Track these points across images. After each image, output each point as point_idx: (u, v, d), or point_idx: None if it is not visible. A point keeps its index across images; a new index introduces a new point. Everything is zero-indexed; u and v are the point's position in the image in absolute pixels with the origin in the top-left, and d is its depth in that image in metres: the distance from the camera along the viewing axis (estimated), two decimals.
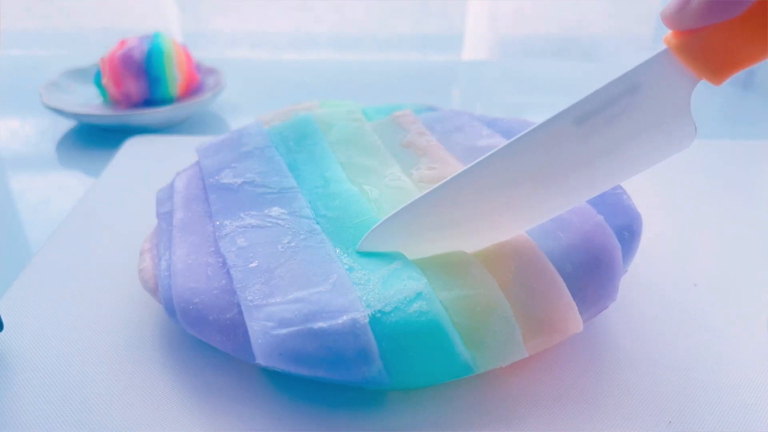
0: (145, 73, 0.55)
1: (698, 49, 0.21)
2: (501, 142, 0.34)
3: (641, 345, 0.28)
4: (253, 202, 0.30)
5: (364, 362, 0.23)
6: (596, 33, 0.95)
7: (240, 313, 0.25)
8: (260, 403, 0.25)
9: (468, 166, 0.25)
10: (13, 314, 0.30)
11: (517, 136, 0.24)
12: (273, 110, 0.40)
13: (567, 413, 0.25)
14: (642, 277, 0.33)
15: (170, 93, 0.57)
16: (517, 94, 0.71)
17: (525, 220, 0.26)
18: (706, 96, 0.68)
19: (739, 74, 0.71)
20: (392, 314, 0.23)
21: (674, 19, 0.21)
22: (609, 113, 0.23)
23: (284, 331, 0.23)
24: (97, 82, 0.57)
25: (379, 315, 0.23)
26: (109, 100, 0.58)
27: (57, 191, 0.48)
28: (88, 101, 0.59)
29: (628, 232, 0.28)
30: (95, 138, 0.56)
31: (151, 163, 0.46)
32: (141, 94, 0.56)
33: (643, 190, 0.36)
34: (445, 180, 0.26)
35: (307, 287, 0.25)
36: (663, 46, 0.22)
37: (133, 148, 0.49)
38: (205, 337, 0.25)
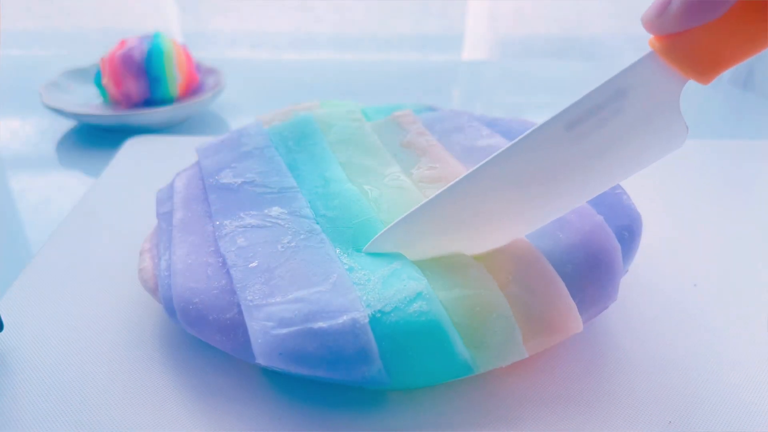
0: (145, 73, 0.55)
1: (683, 50, 0.21)
2: (501, 142, 0.34)
3: (641, 345, 0.28)
4: (252, 202, 0.30)
5: (364, 362, 0.23)
6: (596, 33, 0.94)
7: (240, 312, 0.25)
8: (260, 403, 0.25)
9: (464, 174, 0.26)
10: (13, 314, 0.30)
11: (510, 143, 0.25)
12: (273, 110, 0.40)
13: (567, 413, 0.25)
14: (642, 277, 0.33)
15: (170, 93, 0.57)
16: (517, 94, 0.71)
17: (523, 224, 0.26)
18: (707, 96, 0.68)
19: (739, 74, 0.71)
20: (392, 314, 0.23)
21: (654, 24, 0.21)
22: (599, 117, 0.23)
23: (284, 330, 0.23)
24: (97, 82, 0.57)
25: (379, 315, 0.23)
26: (109, 100, 0.58)
27: (57, 191, 0.48)
28: (88, 101, 0.59)
29: (627, 232, 0.28)
30: (95, 138, 0.56)
31: (151, 163, 0.46)
32: (141, 94, 0.56)
33: (643, 190, 0.36)
34: (443, 188, 0.26)
35: (307, 287, 0.25)
36: (648, 49, 0.22)
37: (133, 148, 0.49)
38: (204, 337, 0.25)
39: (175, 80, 0.57)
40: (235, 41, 0.90)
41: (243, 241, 0.28)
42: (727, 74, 0.72)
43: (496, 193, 0.25)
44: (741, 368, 0.27)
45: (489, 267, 0.26)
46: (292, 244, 0.27)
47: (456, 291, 0.24)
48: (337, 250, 0.27)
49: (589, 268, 0.26)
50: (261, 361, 0.23)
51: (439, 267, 0.26)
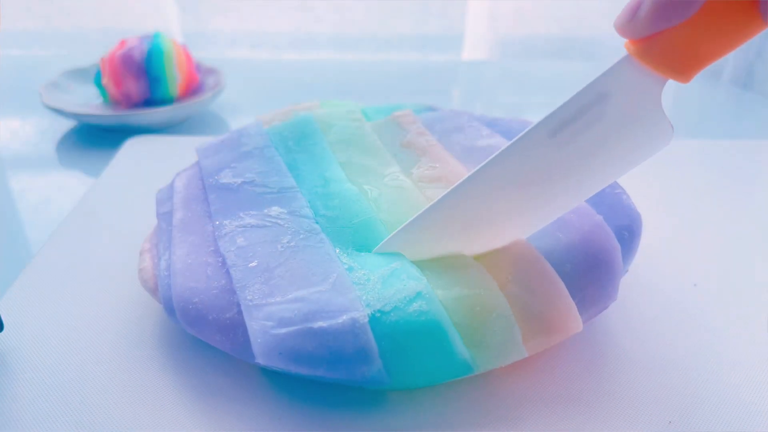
0: (145, 73, 0.55)
1: (658, 51, 0.21)
2: (501, 142, 0.34)
3: (641, 345, 0.28)
4: (252, 201, 0.30)
5: (363, 362, 0.23)
6: (596, 33, 0.95)
7: (239, 312, 0.25)
8: (260, 403, 0.25)
9: (462, 178, 0.26)
10: (13, 314, 0.30)
11: (498, 151, 0.25)
12: (273, 110, 0.40)
13: (567, 413, 0.25)
14: (642, 277, 0.33)
15: (170, 93, 0.57)
16: (517, 94, 0.71)
17: (519, 228, 0.27)
18: (707, 96, 0.68)
19: (739, 74, 0.71)
20: (392, 314, 0.23)
21: (626, 28, 0.21)
22: (581, 122, 0.23)
23: (284, 330, 0.23)
24: (97, 82, 0.57)
25: (378, 314, 0.23)
26: (109, 100, 0.58)
27: (57, 191, 0.48)
28: (88, 101, 0.59)
29: (627, 232, 0.28)
30: (95, 138, 0.56)
31: (151, 163, 0.46)
32: (141, 94, 0.56)
33: (643, 190, 0.36)
34: (442, 195, 0.26)
35: (306, 287, 0.25)
36: (624, 52, 0.23)
37: (133, 148, 0.49)
38: (204, 337, 0.25)
39: (175, 80, 0.57)
40: (235, 41, 0.90)
41: (243, 241, 0.28)
42: (727, 74, 0.72)
43: (489, 199, 0.25)
44: (741, 368, 0.27)
45: (488, 267, 0.26)
46: (292, 244, 0.27)
47: (456, 291, 0.25)
48: (337, 250, 0.27)
49: (588, 268, 0.26)
50: (261, 360, 0.23)
51: (438, 267, 0.26)
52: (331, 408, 0.25)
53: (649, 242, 0.34)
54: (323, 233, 0.28)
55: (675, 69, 0.21)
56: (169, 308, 0.26)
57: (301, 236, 0.28)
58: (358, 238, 0.28)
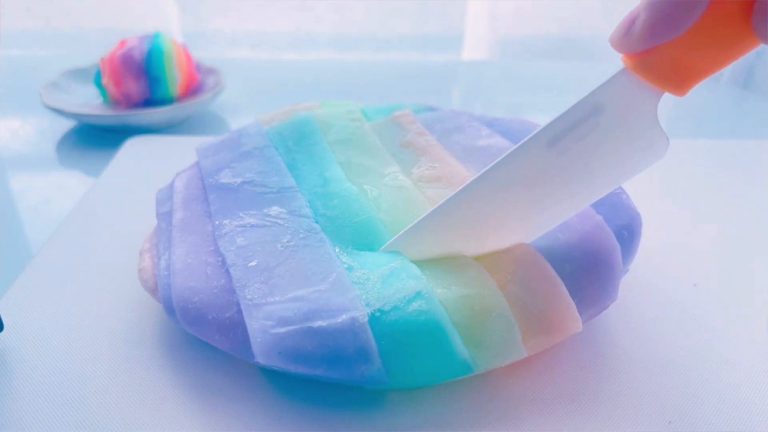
0: (145, 73, 0.55)
1: (654, 65, 0.22)
2: (501, 142, 0.34)
3: (641, 345, 0.28)
4: (252, 201, 0.30)
5: (363, 361, 0.23)
6: (596, 33, 0.95)
7: (239, 311, 0.25)
8: (260, 403, 0.25)
9: (463, 184, 0.26)
10: (13, 314, 0.30)
11: (496, 161, 0.25)
12: (273, 110, 0.40)
13: (567, 413, 0.25)
14: (642, 277, 0.33)
15: (170, 93, 0.57)
16: (517, 94, 0.71)
17: (518, 235, 0.27)
18: (707, 96, 0.68)
19: (739, 74, 0.71)
20: (391, 313, 0.23)
21: (621, 44, 0.22)
22: (578, 133, 0.24)
23: (283, 329, 0.23)
24: (97, 82, 0.57)
25: (378, 314, 0.23)
26: (109, 100, 0.58)
27: (57, 191, 0.48)
28: (88, 101, 0.59)
29: (627, 231, 0.28)
30: (95, 138, 0.56)
31: (151, 163, 0.46)
32: (141, 94, 0.56)
33: (643, 190, 0.36)
34: (443, 201, 0.26)
35: (306, 286, 0.25)
36: (620, 65, 0.23)
37: (133, 148, 0.49)
38: (204, 336, 0.25)
39: (175, 80, 0.57)
40: (235, 41, 0.90)
41: (242, 241, 0.28)
42: (727, 74, 0.72)
43: (490, 204, 0.26)
44: (741, 368, 0.27)
45: (488, 267, 0.26)
46: (292, 244, 0.27)
47: (455, 290, 0.25)
48: (337, 249, 0.27)
49: (588, 268, 0.26)
50: (260, 360, 0.23)
51: (438, 266, 0.26)
52: (331, 408, 0.25)
53: (649, 242, 0.34)
54: (323, 233, 0.28)
55: (670, 82, 0.22)
56: (169, 308, 0.27)
57: (301, 236, 0.28)
58: (357, 237, 0.28)
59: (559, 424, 0.24)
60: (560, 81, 0.73)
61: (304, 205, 0.30)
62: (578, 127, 0.24)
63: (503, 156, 0.25)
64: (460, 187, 0.26)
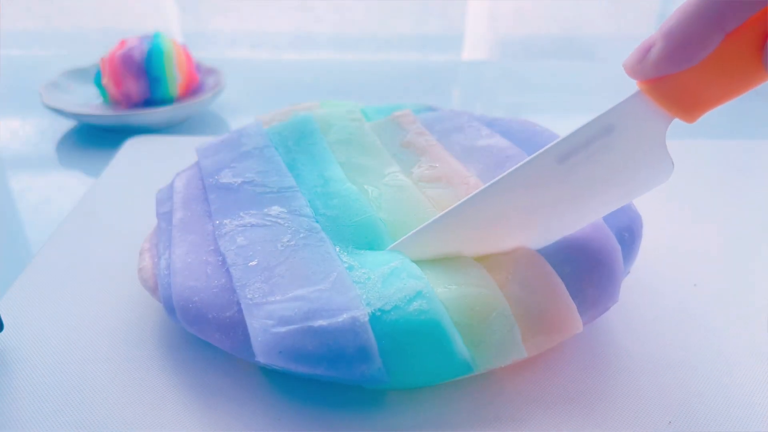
0: (145, 73, 0.55)
1: (668, 91, 0.22)
2: (501, 142, 0.34)
3: (641, 345, 0.28)
4: (252, 201, 0.30)
5: (363, 360, 0.23)
6: (596, 33, 0.95)
7: (239, 311, 0.25)
8: (260, 403, 0.25)
9: (468, 197, 0.26)
10: (13, 314, 0.30)
11: (505, 173, 0.25)
12: (273, 110, 0.40)
13: (567, 413, 0.25)
14: (642, 277, 0.33)
15: (170, 93, 0.57)
16: (517, 94, 0.71)
17: (520, 244, 0.27)
18: None
19: None
20: (392, 313, 0.23)
21: (635, 70, 0.22)
22: (588, 151, 0.24)
23: (284, 329, 0.23)
24: (97, 82, 0.57)
25: (379, 313, 0.23)
26: (109, 100, 0.58)
27: (57, 191, 0.48)
28: (88, 101, 0.59)
29: (628, 233, 0.28)
30: (95, 138, 0.56)
31: (151, 163, 0.46)
32: (141, 94, 0.56)
33: None
34: (449, 209, 0.27)
35: (306, 285, 0.25)
36: (635, 88, 0.23)
37: (133, 148, 0.49)
38: (204, 336, 0.25)
39: (175, 80, 0.57)
40: (235, 41, 0.90)
41: (243, 240, 0.28)
42: None
43: (498, 214, 0.26)
44: (741, 368, 0.27)
45: (489, 267, 0.26)
46: (292, 243, 0.27)
47: (456, 290, 0.25)
48: (337, 249, 0.27)
49: (588, 270, 0.26)
50: (261, 359, 0.23)
51: (439, 266, 0.26)
52: (331, 408, 0.25)
53: (649, 242, 0.34)
54: (323, 232, 0.28)
55: (681, 109, 0.22)
56: (169, 307, 0.27)
57: (301, 235, 0.28)
58: (358, 236, 0.28)
59: (560, 424, 0.24)
60: (560, 81, 0.73)
61: (304, 204, 0.30)
62: (589, 145, 0.24)
63: (514, 168, 0.25)
64: (469, 195, 0.26)
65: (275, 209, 0.30)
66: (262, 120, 0.38)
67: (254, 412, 0.25)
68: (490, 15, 1.03)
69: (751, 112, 0.65)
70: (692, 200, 0.41)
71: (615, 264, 0.26)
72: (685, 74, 0.21)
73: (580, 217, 0.26)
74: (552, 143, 0.25)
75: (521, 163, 0.25)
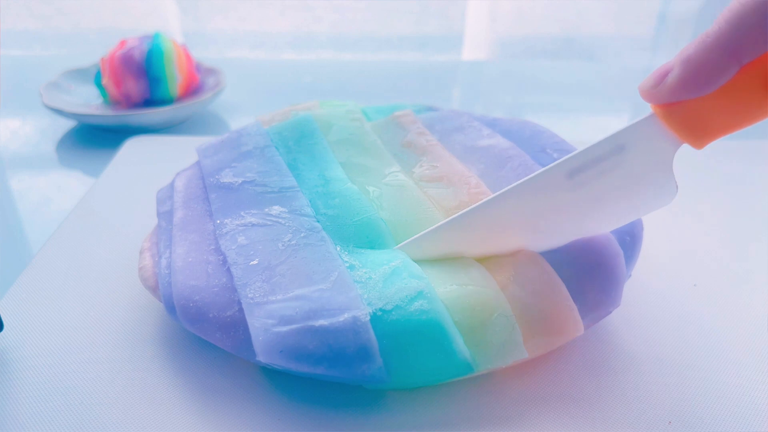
0: (145, 73, 0.55)
1: (681, 117, 0.23)
2: (501, 142, 0.34)
3: (641, 345, 0.28)
4: (253, 201, 0.30)
5: (364, 360, 0.23)
6: (596, 33, 0.95)
7: (240, 310, 0.25)
8: (260, 403, 0.25)
9: (471, 207, 0.27)
10: (13, 314, 0.30)
11: (516, 183, 0.26)
12: (272, 111, 0.40)
13: (567, 413, 0.25)
14: (642, 277, 0.33)
15: (170, 93, 0.57)
16: (517, 94, 0.71)
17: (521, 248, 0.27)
18: None
19: None
20: (393, 312, 0.23)
21: (650, 94, 0.23)
22: (598, 169, 0.25)
23: (285, 328, 0.23)
24: (97, 82, 0.57)
25: (380, 313, 0.23)
26: (109, 100, 0.58)
27: (57, 191, 0.48)
28: (88, 101, 0.59)
29: (629, 236, 0.28)
30: (95, 138, 0.56)
31: (151, 163, 0.46)
32: (141, 94, 0.56)
33: None
34: (457, 214, 0.27)
35: (307, 285, 0.25)
36: (649, 110, 0.24)
37: (133, 148, 0.49)
38: (205, 335, 0.25)
39: (175, 80, 0.57)
40: (235, 41, 0.90)
41: (243, 240, 0.28)
42: None
43: (505, 221, 0.27)
44: (741, 368, 0.27)
45: (490, 267, 0.26)
46: (293, 242, 0.27)
47: (457, 290, 0.25)
48: (338, 248, 0.27)
49: (590, 273, 0.26)
50: (262, 358, 0.23)
51: (440, 266, 0.26)
52: (331, 408, 0.25)
53: (649, 243, 0.34)
54: (324, 231, 0.28)
55: (692, 135, 0.23)
56: (170, 306, 0.26)
57: (302, 235, 0.28)
58: (359, 236, 0.28)
59: (560, 424, 0.24)
60: (560, 81, 0.73)
61: (305, 204, 0.30)
62: (599, 163, 0.25)
63: (525, 179, 0.26)
64: (478, 203, 0.27)
65: (276, 209, 0.30)
66: (261, 120, 0.38)
67: (254, 411, 0.25)
68: (490, 15, 1.03)
69: None
70: (692, 200, 0.41)
71: (617, 268, 0.26)
72: (698, 102, 0.22)
73: (583, 231, 0.27)
74: (564, 158, 0.25)
75: (532, 174, 0.26)
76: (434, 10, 1.02)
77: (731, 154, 0.47)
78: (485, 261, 0.26)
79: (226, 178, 0.32)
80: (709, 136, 0.23)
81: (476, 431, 0.24)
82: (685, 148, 0.24)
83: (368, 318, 0.23)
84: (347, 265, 0.26)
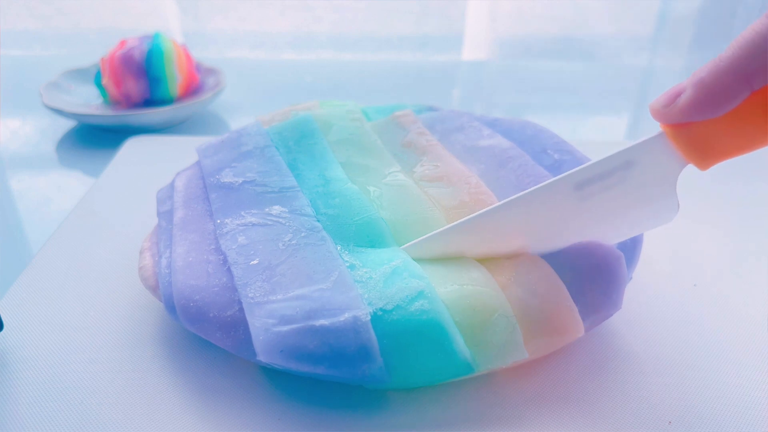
0: (145, 73, 0.55)
1: (689, 137, 0.23)
2: (502, 142, 0.34)
3: (641, 345, 0.28)
4: (253, 200, 0.30)
5: (365, 360, 0.23)
6: (596, 33, 0.95)
7: (241, 310, 0.25)
8: (260, 403, 0.25)
9: (476, 213, 0.27)
10: (13, 314, 0.30)
11: (525, 192, 0.27)
12: (272, 111, 0.40)
13: (568, 413, 0.25)
14: (642, 277, 0.33)
15: (170, 93, 0.57)
16: (517, 94, 0.71)
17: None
18: None
19: None
20: (393, 312, 0.23)
21: (661, 114, 0.23)
22: (606, 183, 0.25)
23: (286, 328, 0.23)
24: (97, 82, 0.57)
25: (380, 313, 0.23)
26: (109, 100, 0.58)
27: (57, 191, 0.48)
28: (88, 101, 0.59)
29: (630, 239, 0.28)
30: (95, 138, 0.56)
31: (151, 163, 0.46)
32: (141, 94, 0.56)
33: None
34: (463, 219, 0.27)
35: (308, 285, 0.25)
36: (659, 129, 0.24)
37: (133, 148, 0.49)
38: (205, 334, 0.25)
39: (175, 80, 0.57)
40: (235, 41, 0.90)
41: (244, 239, 0.28)
42: None
43: (510, 227, 0.27)
44: (741, 368, 0.27)
45: (491, 268, 0.26)
46: (293, 242, 0.27)
47: (458, 290, 0.25)
48: (338, 248, 0.27)
49: (590, 275, 0.26)
50: (262, 358, 0.23)
51: (440, 266, 0.26)
52: (331, 408, 0.25)
53: (649, 243, 0.34)
54: (324, 231, 0.28)
55: (698, 156, 0.23)
56: (170, 306, 0.26)
57: (303, 234, 0.28)
58: (359, 236, 0.28)
59: (561, 424, 0.24)
60: (560, 81, 0.73)
61: (305, 204, 0.30)
62: (607, 177, 0.25)
63: (533, 189, 0.26)
64: (485, 210, 0.27)
65: (276, 209, 0.30)
66: (261, 120, 0.38)
67: (254, 411, 0.25)
68: (490, 15, 1.03)
69: None
70: (691, 200, 0.41)
71: (618, 271, 0.26)
72: (707, 124, 0.22)
73: (588, 239, 0.27)
74: (573, 170, 0.26)
75: (541, 185, 0.26)
76: (434, 10, 1.02)
77: None
78: (486, 262, 0.26)
79: (227, 177, 0.32)
80: (715, 158, 0.23)
81: (476, 431, 0.24)
82: (689, 168, 0.25)
83: (368, 318, 0.23)
84: (348, 264, 0.26)
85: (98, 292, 0.32)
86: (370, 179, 0.32)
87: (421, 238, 0.28)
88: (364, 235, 0.28)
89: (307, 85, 0.72)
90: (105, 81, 0.56)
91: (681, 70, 0.77)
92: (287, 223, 0.28)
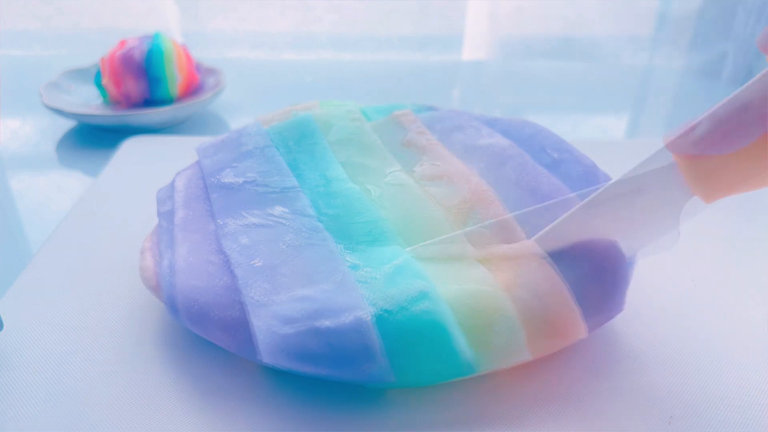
0: (145, 73, 0.55)
1: (699, 170, 0.23)
2: (501, 141, 0.34)
3: (640, 344, 0.28)
4: (254, 201, 0.30)
5: (368, 360, 0.23)
6: (596, 33, 0.95)
7: (243, 310, 0.25)
8: (262, 403, 0.25)
9: (481, 224, 0.28)
10: (13, 314, 0.30)
11: (537, 205, 0.28)
12: (272, 111, 0.40)
13: (568, 412, 0.25)
14: (642, 277, 0.33)
15: (170, 93, 0.57)
16: (517, 94, 0.71)
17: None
18: (707, 95, 0.69)
19: (739, 74, 0.71)
20: (396, 313, 0.23)
21: (675, 144, 0.23)
22: (615, 205, 0.26)
23: (289, 329, 0.23)
24: (97, 82, 0.57)
25: (383, 313, 0.23)
26: (109, 100, 0.58)
27: (57, 191, 0.48)
28: (88, 101, 0.59)
29: None
30: (95, 138, 0.56)
31: (151, 163, 0.46)
32: (141, 94, 0.56)
33: None
34: (466, 229, 0.28)
35: (310, 285, 0.25)
36: (672, 159, 0.24)
37: (133, 148, 0.49)
38: (207, 335, 0.25)
39: (175, 80, 0.57)
40: (235, 41, 0.90)
41: (246, 240, 0.28)
42: (726, 74, 0.72)
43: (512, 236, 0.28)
44: (741, 368, 0.27)
45: (493, 269, 0.26)
46: (296, 243, 0.27)
47: (460, 290, 0.25)
48: (341, 248, 0.27)
49: (593, 277, 0.26)
50: (265, 359, 0.23)
51: (443, 266, 0.26)
52: (332, 407, 0.25)
53: None
54: (326, 231, 0.28)
55: (704, 188, 0.23)
56: (173, 307, 0.26)
57: (305, 235, 0.28)
58: (361, 236, 0.28)
59: (561, 424, 0.24)
60: (560, 81, 0.73)
61: (307, 204, 0.30)
62: (617, 199, 0.25)
63: (544, 204, 0.28)
64: (488, 221, 0.28)
65: (278, 209, 0.30)
66: (261, 120, 0.38)
67: (257, 412, 0.25)
68: (490, 15, 1.03)
69: None
70: (691, 200, 0.41)
71: (620, 271, 0.26)
72: (717, 158, 0.22)
73: None
74: (585, 190, 0.26)
75: (550, 201, 0.27)
76: (434, 10, 1.02)
77: None
78: (488, 262, 0.26)
79: (227, 178, 0.32)
80: (720, 193, 0.23)
81: (476, 431, 0.24)
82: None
83: (371, 318, 0.23)
84: (350, 264, 0.26)
85: (98, 292, 0.32)
86: (371, 179, 0.32)
87: (425, 242, 0.28)
88: (366, 234, 0.28)
89: (307, 85, 0.72)
90: (105, 81, 0.56)
91: (681, 70, 0.77)
92: (289, 224, 0.28)
